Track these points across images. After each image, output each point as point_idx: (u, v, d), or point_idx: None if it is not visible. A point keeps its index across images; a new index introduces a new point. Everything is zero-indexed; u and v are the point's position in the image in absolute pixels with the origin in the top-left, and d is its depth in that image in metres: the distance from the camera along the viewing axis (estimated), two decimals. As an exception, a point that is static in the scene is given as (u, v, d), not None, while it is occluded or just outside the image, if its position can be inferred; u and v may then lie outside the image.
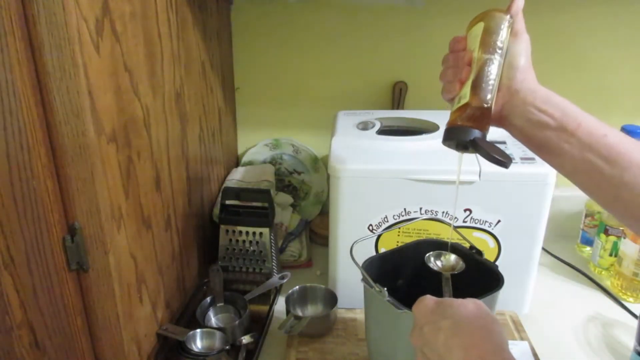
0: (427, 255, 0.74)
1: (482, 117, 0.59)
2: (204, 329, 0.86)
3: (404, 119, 1.06)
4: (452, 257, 0.74)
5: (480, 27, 0.61)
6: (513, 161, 0.88)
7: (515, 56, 0.60)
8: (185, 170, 0.94)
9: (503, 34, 0.60)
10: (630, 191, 0.55)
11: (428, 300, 0.60)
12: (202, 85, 1.01)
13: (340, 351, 0.87)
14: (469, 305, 0.57)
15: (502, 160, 0.57)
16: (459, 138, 0.60)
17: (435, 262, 0.74)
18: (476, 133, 0.59)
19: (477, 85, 0.59)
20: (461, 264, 0.73)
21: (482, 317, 0.56)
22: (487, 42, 0.60)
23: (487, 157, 0.57)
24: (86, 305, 0.68)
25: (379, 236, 0.92)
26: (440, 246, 0.77)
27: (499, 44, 0.60)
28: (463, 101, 0.60)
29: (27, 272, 0.63)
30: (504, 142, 0.94)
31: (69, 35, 0.54)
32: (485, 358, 0.51)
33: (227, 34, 1.18)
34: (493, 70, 0.60)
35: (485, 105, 0.59)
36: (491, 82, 0.59)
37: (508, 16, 0.61)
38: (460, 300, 0.58)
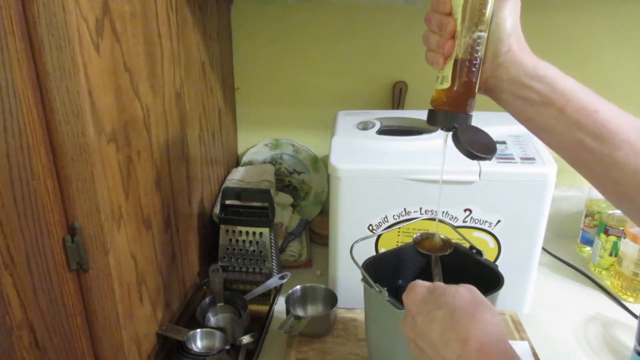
0: (415, 237, 0.73)
1: (466, 100, 0.57)
2: (204, 329, 0.86)
3: (404, 119, 1.05)
4: (441, 238, 0.73)
5: None
6: (512, 161, 0.88)
7: (499, 24, 0.55)
8: (185, 170, 0.94)
9: (487, 4, 0.54)
10: (621, 171, 0.52)
11: (420, 287, 0.58)
12: (202, 85, 1.01)
13: (340, 351, 0.87)
14: (463, 292, 0.55)
15: (482, 156, 0.56)
16: (442, 125, 0.59)
17: (424, 244, 0.72)
18: (459, 120, 0.57)
19: (460, 69, 0.56)
20: (451, 245, 0.71)
21: (477, 305, 0.54)
22: (470, 18, 0.55)
23: (467, 154, 0.56)
24: (86, 305, 0.68)
25: (379, 236, 0.92)
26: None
27: (482, 18, 0.54)
28: (445, 85, 0.57)
29: (27, 272, 0.63)
30: (504, 142, 0.94)
31: (69, 35, 0.54)
32: (484, 351, 0.49)
33: (227, 34, 1.18)
34: (477, 51, 0.55)
35: (470, 90, 0.57)
36: (475, 64, 0.56)
37: None
38: (454, 287, 0.56)
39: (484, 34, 0.55)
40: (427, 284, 0.59)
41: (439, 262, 0.69)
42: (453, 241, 0.75)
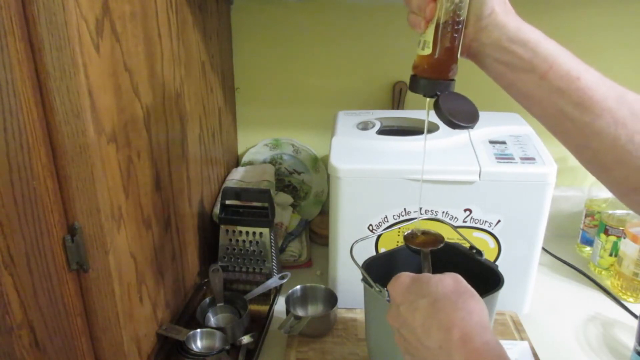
0: (405, 233, 0.72)
1: (449, 66, 0.56)
2: (204, 329, 0.86)
3: (404, 119, 1.06)
4: (431, 232, 0.72)
5: None
6: (512, 161, 0.88)
7: None
8: (185, 170, 0.94)
9: None
10: (600, 140, 0.52)
11: (404, 277, 0.57)
12: (202, 85, 1.01)
13: (340, 351, 0.87)
14: (447, 281, 0.54)
15: (464, 125, 0.55)
16: (423, 92, 0.58)
17: (415, 240, 0.72)
18: (441, 87, 0.56)
19: (442, 34, 0.55)
20: (441, 240, 0.71)
21: (461, 294, 0.53)
22: None
23: (448, 123, 0.55)
24: (86, 306, 0.68)
25: (379, 236, 0.92)
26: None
27: None
28: (427, 50, 0.56)
29: (27, 272, 0.63)
30: (504, 142, 0.94)
31: (69, 35, 0.54)
32: (466, 340, 0.48)
33: (227, 34, 1.18)
34: (459, 15, 0.54)
35: (452, 55, 0.56)
36: (457, 28, 0.55)
37: None
38: (437, 276, 0.55)
39: None
40: (411, 274, 0.58)
41: (429, 257, 0.69)
42: (450, 242, 0.75)
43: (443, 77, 0.57)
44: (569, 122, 0.53)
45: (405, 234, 0.73)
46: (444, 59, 0.56)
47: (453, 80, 0.58)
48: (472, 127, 0.56)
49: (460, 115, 0.55)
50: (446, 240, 0.74)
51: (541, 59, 0.53)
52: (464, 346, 0.48)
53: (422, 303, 0.53)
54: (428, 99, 0.59)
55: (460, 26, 0.55)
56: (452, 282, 0.54)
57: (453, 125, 0.55)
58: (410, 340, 0.53)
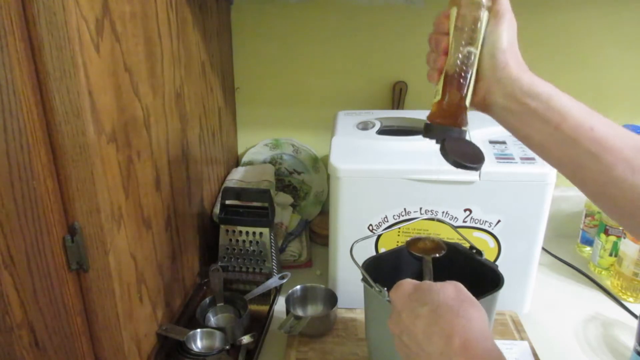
0: (408, 240, 0.73)
1: (457, 113, 0.58)
2: (204, 329, 0.86)
3: (404, 119, 1.06)
4: (432, 239, 0.73)
5: (454, 12, 0.57)
6: (512, 161, 0.88)
7: (495, 42, 0.55)
8: (185, 170, 0.94)
9: (477, 22, 0.56)
10: (618, 187, 0.52)
11: (406, 284, 0.59)
12: (202, 85, 1.01)
13: (340, 351, 0.87)
14: (448, 289, 0.55)
15: (469, 166, 0.56)
16: (434, 137, 0.59)
17: (417, 246, 0.73)
18: (451, 133, 0.58)
19: (449, 83, 0.58)
20: (443, 247, 0.72)
21: (462, 301, 0.54)
22: (459, 33, 0.56)
23: (454, 164, 0.57)
24: (86, 305, 0.68)
25: (379, 236, 0.92)
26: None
27: (472, 34, 0.56)
28: (438, 97, 0.59)
29: (27, 272, 0.63)
30: (504, 142, 0.94)
31: (69, 35, 0.54)
32: (467, 347, 0.49)
33: (227, 34, 1.18)
34: (466, 65, 0.57)
35: (459, 103, 0.58)
36: (464, 77, 0.57)
37: (483, 0, 0.56)
38: (439, 284, 0.56)
39: (475, 50, 0.56)
40: (414, 281, 0.59)
41: (430, 264, 0.70)
42: (450, 242, 0.75)
43: (453, 124, 0.58)
44: (586, 170, 0.53)
45: (408, 240, 0.74)
46: (451, 105, 0.58)
47: (464, 129, 0.59)
48: (477, 169, 0.58)
49: (466, 156, 0.57)
50: (446, 240, 0.74)
51: (555, 112, 0.53)
52: (465, 353, 0.49)
53: (424, 310, 0.54)
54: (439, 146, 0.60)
55: (467, 75, 0.57)
56: (453, 290, 0.55)
57: (459, 165, 0.57)
58: (411, 346, 0.54)
